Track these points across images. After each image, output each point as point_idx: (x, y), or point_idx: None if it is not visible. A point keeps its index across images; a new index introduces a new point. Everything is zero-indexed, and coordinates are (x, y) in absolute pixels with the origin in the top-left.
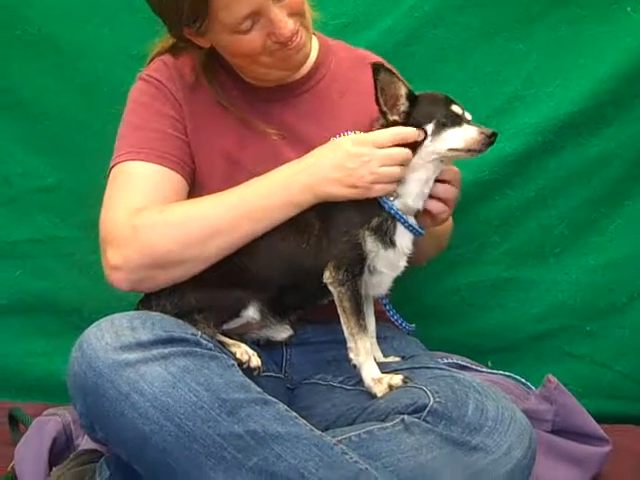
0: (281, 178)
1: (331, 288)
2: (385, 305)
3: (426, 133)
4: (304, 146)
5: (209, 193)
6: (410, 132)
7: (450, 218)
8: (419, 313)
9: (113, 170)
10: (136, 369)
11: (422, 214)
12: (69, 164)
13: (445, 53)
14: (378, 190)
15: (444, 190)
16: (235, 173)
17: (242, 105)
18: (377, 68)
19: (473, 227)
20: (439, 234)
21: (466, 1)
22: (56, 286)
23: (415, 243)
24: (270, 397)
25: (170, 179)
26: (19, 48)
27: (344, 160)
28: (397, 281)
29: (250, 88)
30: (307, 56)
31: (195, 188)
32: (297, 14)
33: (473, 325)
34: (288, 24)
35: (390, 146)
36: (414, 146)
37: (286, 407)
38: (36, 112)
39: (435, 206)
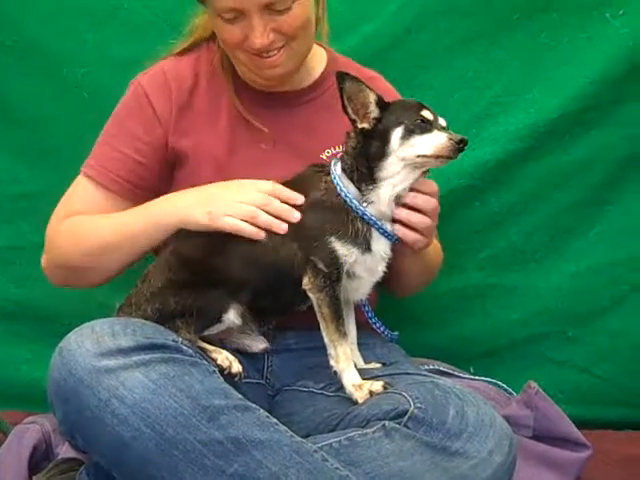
0: (156, 201)
1: (310, 294)
2: (367, 313)
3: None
4: (294, 154)
5: None
6: (290, 194)
7: (439, 246)
8: (401, 319)
9: (76, 179)
10: (116, 375)
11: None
12: (50, 170)
13: (426, 59)
14: (228, 224)
15: (424, 201)
16: (223, 179)
17: (242, 106)
18: (342, 77)
19: (454, 233)
20: (428, 261)
21: (447, 8)
22: (37, 293)
23: (401, 271)
24: (251, 403)
25: (112, 202)
26: (1, 54)
27: (213, 189)
28: (379, 288)
29: (252, 93)
30: (285, 76)
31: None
32: (284, 34)
33: (455, 331)
34: (262, 38)
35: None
36: (381, 153)
37: (267, 413)
38: (17, 118)
39: (409, 235)
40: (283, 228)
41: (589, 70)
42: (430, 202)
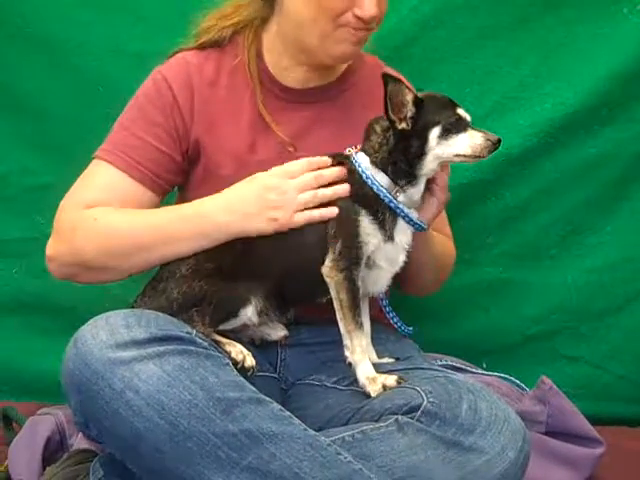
0: (200, 210)
1: (328, 280)
2: (385, 307)
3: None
4: (315, 154)
5: (216, 192)
6: (323, 161)
7: (453, 247)
8: (414, 315)
9: (92, 162)
10: (131, 367)
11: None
12: (63, 162)
13: (442, 55)
14: (301, 219)
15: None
16: (242, 176)
17: (266, 109)
18: (386, 79)
19: (469, 228)
20: (438, 257)
21: (463, 3)
22: (51, 285)
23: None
24: (264, 397)
25: (132, 189)
26: (13, 46)
27: (262, 193)
28: (394, 285)
29: (275, 86)
30: (352, 57)
31: (203, 187)
32: (379, 15)
33: (468, 326)
34: (374, 7)
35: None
36: (420, 152)
37: (280, 407)
38: (31, 110)
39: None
40: (345, 189)
41: (605, 66)
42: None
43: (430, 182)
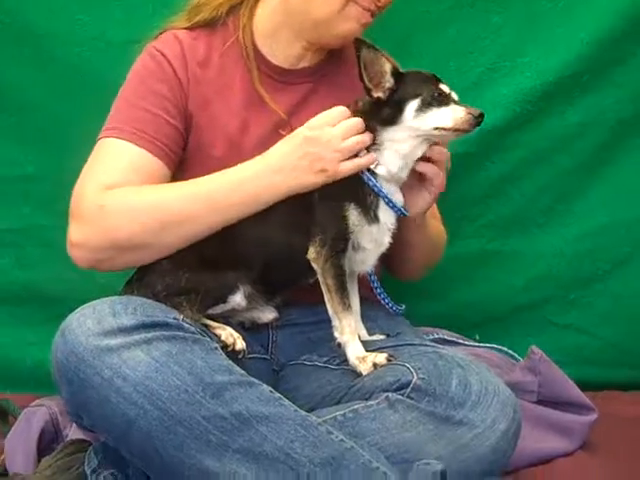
0: (248, 174)
1: (314, 265)
2: (375, 286)
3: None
4: None
5: (208, 172)
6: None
7: (443, 230)
8: (404, 289)
9: (98, 143)
10: (119, 354)
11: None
12: (48, 152)
13: (421, 27)
14: (349, 168)
15: (432, 171)
16: (235, 156)
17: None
18: (359, 44)
19: (455, 201)
20: (431, 241)
21: None
22: (41, 275)
23: (407, 247)
24: (254, 379)
25: (149, 162)
26: None
27: (305, 147)
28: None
29: (266, 66)
30: (352, 38)
31: (194, 169)
32: (387, 3)
33: (459, 299)
34: None
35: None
36: (391, 120)
37: (270, 388)
38: (14, 101)
39: (429, 168)
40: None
41: (586, 31)
42: (438, 151)
43: (426, 182)
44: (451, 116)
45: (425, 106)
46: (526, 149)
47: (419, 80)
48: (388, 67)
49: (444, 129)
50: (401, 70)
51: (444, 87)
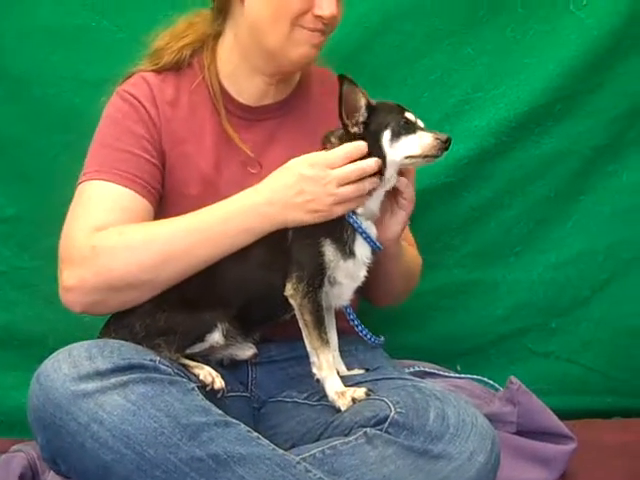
0: (240, 205)
1: (292, 301)
2: (352, 319)
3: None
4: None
5: (184, 211)
6: (361, 145)
7: (418, 255)
8: (384, 321)
9: (78, 188)
10: (95, 399)
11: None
12: (27, 193)
13: (395, 61)
14: (340, 211)
15: (404, 184)
16: (211, 195)
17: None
18: (342, 80)
19: (433, 232)
20: (407, 267)
21: (411, 9)
22: (21, 317)
23: (383, 275)
24: (231, 419)
25: (133, 201)
26: None
27: (302, 184)
28: (360, 293)
29: (232, 105)
30: (310, 61)
31: (171, 209)
32: (336, 17)
33: (439, 330)
34: (333, 7)
35: (345, 164)
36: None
37: (248, 428)
38: None
39: (401, 181)
40: (377, 181)
41: (556, 62)
42: (409, 187)
43: (398, 195)
44: (418, 143)
45: (395, 136)
46: (502, 179)
47: (386, 111)
48: (363, 101)
49: (413, 157)
50: (372, 103)
51: (409, 115)
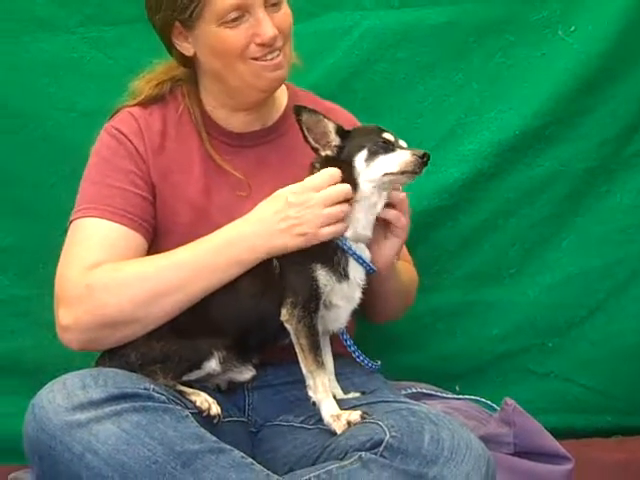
0: (228, 237)
1: (287, 325)
2: (349, 345)
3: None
4: (261, 196)
5: (175, 243)
6: (335, 171)
7: (414, 271)
8: (382, 344)
9: (71, 226)
10: (89, 428)
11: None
12: (24, 223)
13: (387, 88)
14: (327, 233)
15: (394, 216)
16: (202, 222)
17: (218, 155)
18: (298, 110)
19: (429, 254)
20: (404, 285)
21: (403, 37)
22: (20, 346)
23: (378, 294)
24: (226, 445)
25: (125, 237)
26: None
27: (287, 210)
28: (357, 315)
29: (219, 132)
30: (281, 81)
31: (163, 239)
32: (282, 32)
33: (437, 351)
34: (272, 28)
35: (328, 186)
36: (350, 179)
37: (242, 454)
38: None
39: (391, 214)
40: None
41: (546, 86)
42: (398, 197)
43: (390, 225)
44: (396, 160)
45: (372, 155)
46: (496, 201)
47: (363, 133)
48: (331, 126)
49: (392, 174)
50: (346, 128)
51: (388, 135)
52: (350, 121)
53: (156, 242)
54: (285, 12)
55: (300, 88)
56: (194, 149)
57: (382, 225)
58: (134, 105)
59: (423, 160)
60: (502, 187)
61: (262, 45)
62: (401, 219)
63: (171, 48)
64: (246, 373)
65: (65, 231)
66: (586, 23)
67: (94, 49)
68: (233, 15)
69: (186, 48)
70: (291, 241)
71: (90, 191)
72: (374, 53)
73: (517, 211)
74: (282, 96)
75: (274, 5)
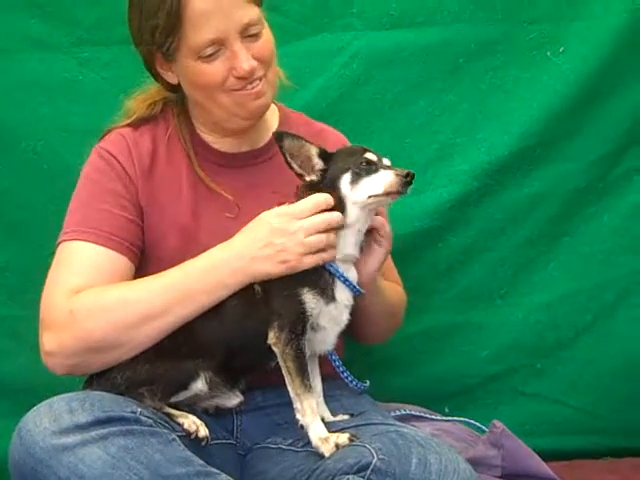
0: (212, 261)
1: (275, 349)
2: (337, 366)
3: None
4: (251, 217)
5: (165, 266)
6: (328, 197)
7: (403, 292)
8: (371, 365)
9: (58, 249)
10: (75, 452)
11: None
12: (15, 243)
13: (378, 108)
14: (310, 262)
15: (379, 222)
16: (190, 244)
17: (208, 177)
18: (279, 136)
19: (419, 275)
20: (391, 304)
21: (394, 57)
22: (9, 367)
23: (366, 314)
24: (212, 469)
25: (111, 260)
26: None
27: (270, 236)
28: (346, 337)
29: (209, 153)
30: (265, 108)
31: (151, 262)
32: (262, 61)
33: (427, 372)
34: (249, 60)
35: (313, 214)
36: (338, 203)
37: (229, 477)
38: None
39: (376, 221)
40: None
41: (535, 107)
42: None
43: (375, 233)
44: (381, 182)
45: (355, 177)
46: (485, 221)
47: (346, 154)
48: (314, 150)
49: (377, 196)
50: (329, 151)
51: (370, 156)
52: (341, 141)
53: (144, 265)
54: (265, 40)
55: (292, 110)
56: (183, 170)
57: (366, 237)
58: (125, 126)
59: (407, 180)
60: (491, 208)
61: (240, 78)
62: (386, 226)
63: (156, 76)
64: (234, 399)
65: (54, 252)
66: (575, 44)
67: (87, 69)
68: (210, 50)
69: (170, 77)
70: (273, 268)
71: (78, 213)
72: (365, 73)
73: (506, 231)
74: (272, 118)
75: (252, 36)
